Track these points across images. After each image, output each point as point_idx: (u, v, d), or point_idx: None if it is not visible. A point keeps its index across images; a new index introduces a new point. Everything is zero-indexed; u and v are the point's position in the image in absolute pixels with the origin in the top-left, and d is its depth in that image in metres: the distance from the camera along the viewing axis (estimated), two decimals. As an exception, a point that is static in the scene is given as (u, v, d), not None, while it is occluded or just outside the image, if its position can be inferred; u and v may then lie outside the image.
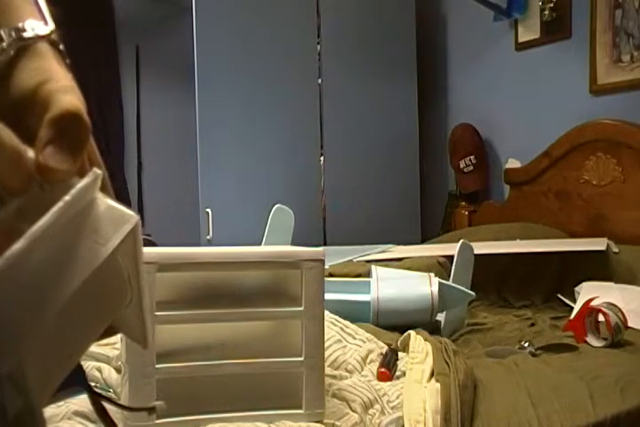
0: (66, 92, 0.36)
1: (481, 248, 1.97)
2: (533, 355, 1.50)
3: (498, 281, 2.25)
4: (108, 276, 0.35)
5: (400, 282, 1.70)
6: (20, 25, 0.37)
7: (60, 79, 0.37)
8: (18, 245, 0.29)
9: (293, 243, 1.71)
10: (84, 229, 0.33)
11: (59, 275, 0.31)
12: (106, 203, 0.35)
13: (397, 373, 1.29)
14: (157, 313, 0.98)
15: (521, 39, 2.97)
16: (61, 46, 0.39)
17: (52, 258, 0.31)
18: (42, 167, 0.33)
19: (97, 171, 0.34)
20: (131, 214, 0.35)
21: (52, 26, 0.39)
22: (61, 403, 1.02)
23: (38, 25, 0.38)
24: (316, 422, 1.03)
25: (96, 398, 0.43)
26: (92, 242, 0.33)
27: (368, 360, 1.33)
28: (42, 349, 0.31)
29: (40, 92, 0.36)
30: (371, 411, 1.11)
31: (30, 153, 0.33)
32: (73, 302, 0.32)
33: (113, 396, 1.11)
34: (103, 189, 0.36)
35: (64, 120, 0.34)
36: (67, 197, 0.32)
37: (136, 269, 0.37)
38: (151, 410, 0.46)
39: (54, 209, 0.31)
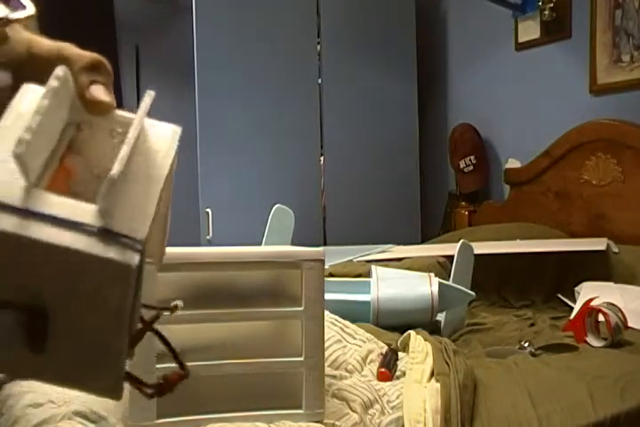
0: (75, 48, 0.43)
1: (481, 248, 1.97)
2: (533, 355, 1.50)
3: (498, 281, 2.25)
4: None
5: (400, 282, 1.70)
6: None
7: (45, 41, 0.44)
8: (118, 164, 0.35)
9: (293, 243, 1.70)
10: (149, 142, 0.40)
11: (149, 180, 0.38)
12: (149, 121, 0.41)
13: (397, 373, 1.29)
14: (157, 313, 0.98)
15: (521, 39, 2.97)
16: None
17: (141, 170, 0.38)
18: (93, 101, 0.39)
19: (151, 93, 0.40)
20: (174, 126, 0.42)
21: (31, 9, 0.43)
22: (61, 403, 1.02)
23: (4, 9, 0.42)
24: (316, 422, 1.03)
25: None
26: (155, 152, 0.40)
27: (368, 360, 1.33)
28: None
29: (48, 50, 0.43)
30: (371, 411, 1.11)
31: None
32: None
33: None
34: None
35: (96, 65, 0.42)
36: (136, 120, 0.38)
37: (170, 177, 0.41)
38: (174, 309, 0.49)
39: (133, 131, 0.37)
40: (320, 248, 1.12)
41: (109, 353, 0.37)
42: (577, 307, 1.83)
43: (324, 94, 3.01)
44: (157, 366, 0.98)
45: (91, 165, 0.39)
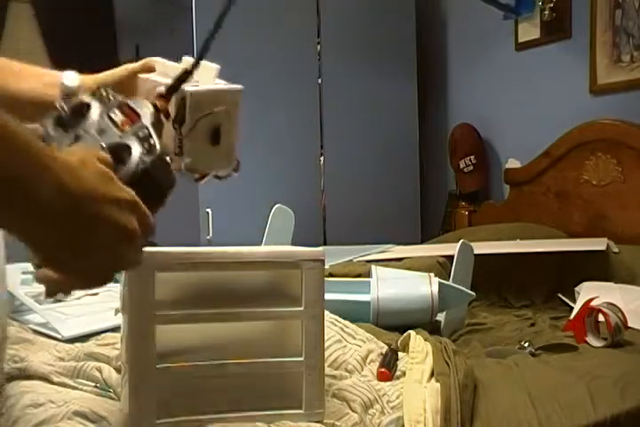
0: None
1: (481, 248, 1.97)
2: (533, 355, 1.50)
3: (498, 281, 2.24)
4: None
5: (400, 282, 1.70)
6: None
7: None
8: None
9: (293, 243, 1.70)
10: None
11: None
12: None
13: (397, 373, 1.29)
14: (157, 313, 0.98)
15: (521, 39, 2.97)
16: None
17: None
18: None
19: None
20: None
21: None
22: (61, 403, 1.02)
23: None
24: (316, 422, 1.03)
25: None
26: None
27: (368, 360, 1.33)
28: None
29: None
30: (371, 411, 1.11)
31: None
32: None
33: (113, 396, 1.11)
34: None
35: None
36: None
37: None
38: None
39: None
40: (320, 248, 1.12)
41: (235, 147, 0.88)
42: (577, 307, 1.83)
43: (324, 94, 3.01)
44: (158, 366, 0.98)
45: None
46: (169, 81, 0.72)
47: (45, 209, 0.47)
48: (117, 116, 0.61)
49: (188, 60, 0.77)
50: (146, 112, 0.63)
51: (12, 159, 0.45)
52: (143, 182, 0.56)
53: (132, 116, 0.62)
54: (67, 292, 0.57)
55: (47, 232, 0.49)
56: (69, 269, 0.52)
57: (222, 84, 0.81)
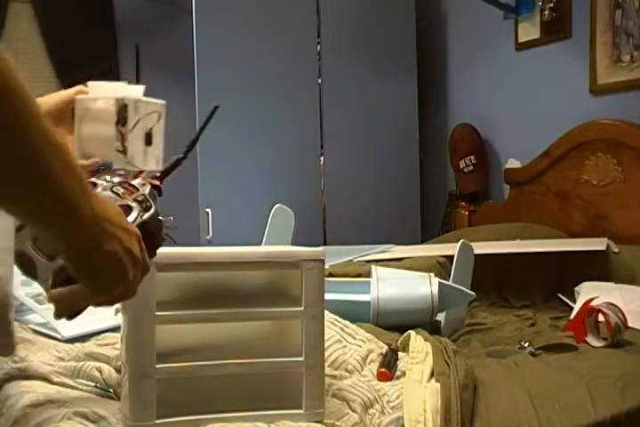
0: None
1: (481, 248, 1.97)
2: (533, 355, 1.50)
3: (498, 281, 2.25)
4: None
5: (400, 282, 1.70)
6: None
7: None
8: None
9: (293, 243, 1.70)
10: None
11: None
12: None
13: (397, 373, 1.29)
14: (157, 313, 0.98)
15: (521, 39, 2.97)
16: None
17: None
18: None
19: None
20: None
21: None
22: (61, 403, 1.02)
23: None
24: (316, 422, 1.03)
25: None
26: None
27: (368, 360, 1.33)
28: None
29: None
30: (371, 411, 1.11)
31: None
32: None
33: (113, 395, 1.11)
34: None
35: None
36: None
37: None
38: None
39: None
40: (320, 248, 1.12)
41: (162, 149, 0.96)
42: (577, 307, 1.83)
43: (324, 94, 3.01)
44: (157, 365, 0.98)
45: None
46: (104, 96, 0.91)
47: (84, 220, 0.57)
48: (120, 190, 0.75)
49: (91, 85, 0.93)
50: (143, 187, 0.77)
51: (72, 181, 0.55)
52: (140, 233, 0.67)
53: (132, 189, 0.76)
54: (74, 311, 0.65)
55: (74, 234, 0.57)
56: (82, 274, 0.60)
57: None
